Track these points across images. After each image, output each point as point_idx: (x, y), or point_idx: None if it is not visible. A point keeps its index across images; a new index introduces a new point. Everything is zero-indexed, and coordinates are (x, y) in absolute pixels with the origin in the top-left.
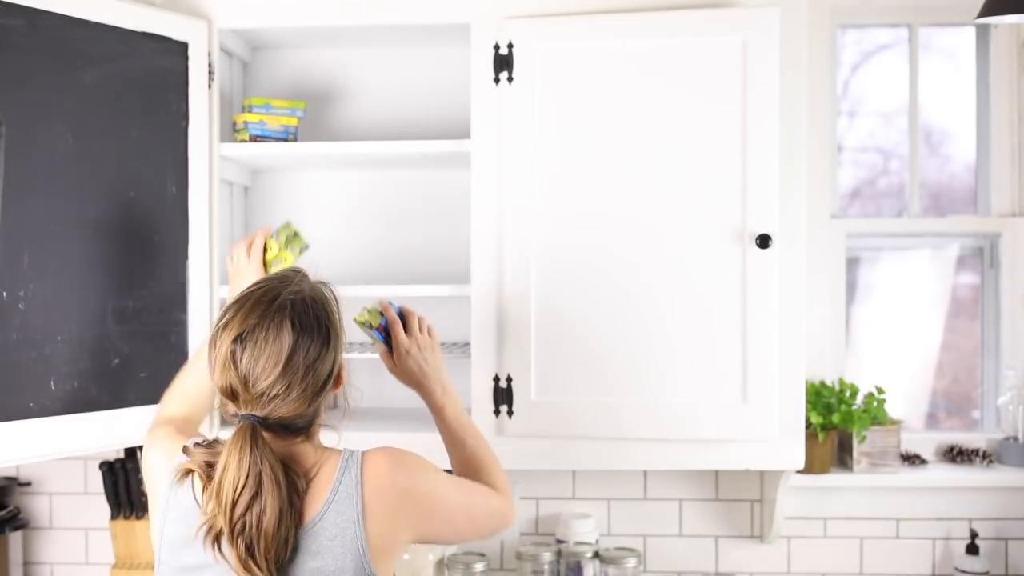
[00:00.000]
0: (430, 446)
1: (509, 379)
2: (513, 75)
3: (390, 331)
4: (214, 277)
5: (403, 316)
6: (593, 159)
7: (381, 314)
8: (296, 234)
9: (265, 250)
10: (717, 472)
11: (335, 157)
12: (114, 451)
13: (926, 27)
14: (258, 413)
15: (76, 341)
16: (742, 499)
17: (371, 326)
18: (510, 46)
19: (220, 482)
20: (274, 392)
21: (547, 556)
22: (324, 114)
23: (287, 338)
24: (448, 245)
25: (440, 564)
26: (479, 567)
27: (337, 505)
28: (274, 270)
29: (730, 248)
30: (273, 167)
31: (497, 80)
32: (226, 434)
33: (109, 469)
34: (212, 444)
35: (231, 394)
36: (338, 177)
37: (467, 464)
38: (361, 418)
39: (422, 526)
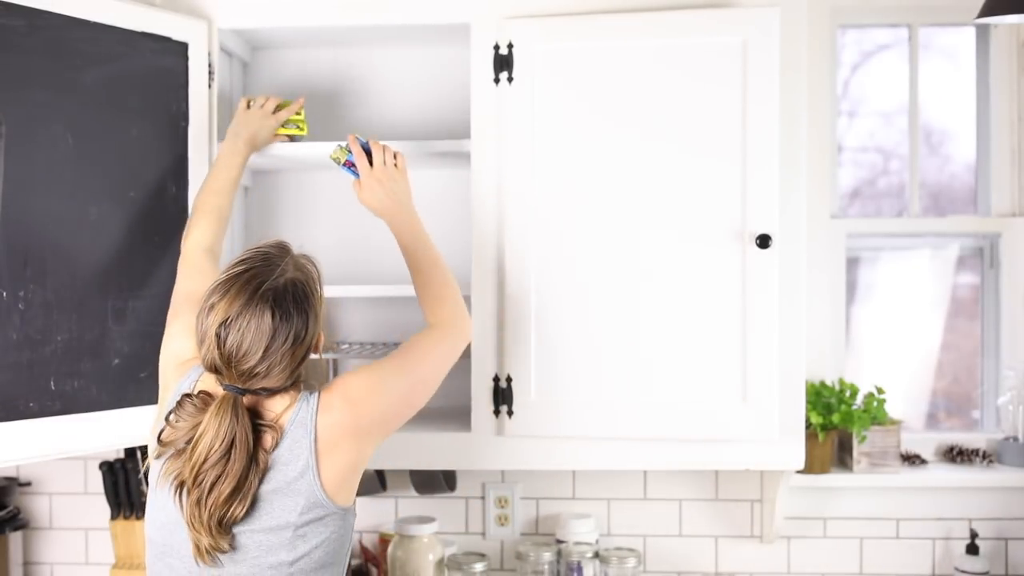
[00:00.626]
0: (421, 443)
1: (509, 379)
2: (513, 75)
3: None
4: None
5: (369, 150)
6: (593, 159)
7: (350, 150)
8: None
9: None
10: (717, 472)
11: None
12: (114, 451)
13: (926, 27)
14: (240, 386)
15: (76, 341)
16: (742, 499)
17: (340, 163)
18: (510, 46)
19: (197, 441)
20: (256, 371)
21: (547, 556)
22: (324, 114)
23: (268, 326)
24: (448, 245)
25: (440, 564)
26: (479, 567)
27: (291, 440)
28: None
29: (730, 248)
30: (273, 167)
31: (497, 80)
32: None
33: (109, 469)
34: (196, 406)
35: (215, 369)
36: (338, 177)
37: (421, 288)
38: None
39: (387, 434)
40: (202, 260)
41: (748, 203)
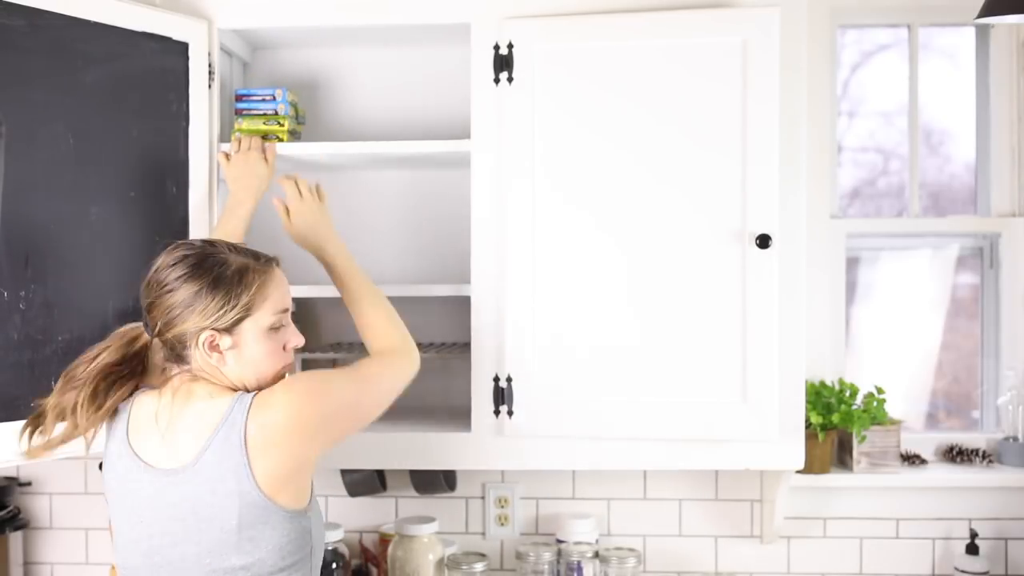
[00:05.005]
0: (421, 443)
1: (509, 379)
2: (513, 75)
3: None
4: None
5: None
6: (593, 159)
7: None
8: None
9: None
10: (717, 472)
11: (334, 157)
12: None
13: (926, 27)
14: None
15: (77, 342)
16: (742, 499)
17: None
18: (510, 46)
19: None
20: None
21: (547, 556)
22: (323, 114)
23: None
24: (448, 245)
25: (440, 564)
26: (479, 567)
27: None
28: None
29: (730, 248)
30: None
31: (497, 80)
32: None
33: None
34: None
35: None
36: (337, 178)
37: (367, 318)
38: None
39: (330, 440)
40: None
41: (748, 203)
